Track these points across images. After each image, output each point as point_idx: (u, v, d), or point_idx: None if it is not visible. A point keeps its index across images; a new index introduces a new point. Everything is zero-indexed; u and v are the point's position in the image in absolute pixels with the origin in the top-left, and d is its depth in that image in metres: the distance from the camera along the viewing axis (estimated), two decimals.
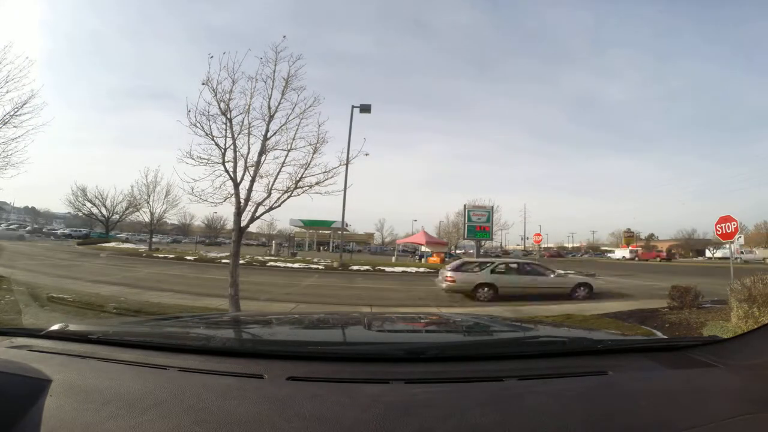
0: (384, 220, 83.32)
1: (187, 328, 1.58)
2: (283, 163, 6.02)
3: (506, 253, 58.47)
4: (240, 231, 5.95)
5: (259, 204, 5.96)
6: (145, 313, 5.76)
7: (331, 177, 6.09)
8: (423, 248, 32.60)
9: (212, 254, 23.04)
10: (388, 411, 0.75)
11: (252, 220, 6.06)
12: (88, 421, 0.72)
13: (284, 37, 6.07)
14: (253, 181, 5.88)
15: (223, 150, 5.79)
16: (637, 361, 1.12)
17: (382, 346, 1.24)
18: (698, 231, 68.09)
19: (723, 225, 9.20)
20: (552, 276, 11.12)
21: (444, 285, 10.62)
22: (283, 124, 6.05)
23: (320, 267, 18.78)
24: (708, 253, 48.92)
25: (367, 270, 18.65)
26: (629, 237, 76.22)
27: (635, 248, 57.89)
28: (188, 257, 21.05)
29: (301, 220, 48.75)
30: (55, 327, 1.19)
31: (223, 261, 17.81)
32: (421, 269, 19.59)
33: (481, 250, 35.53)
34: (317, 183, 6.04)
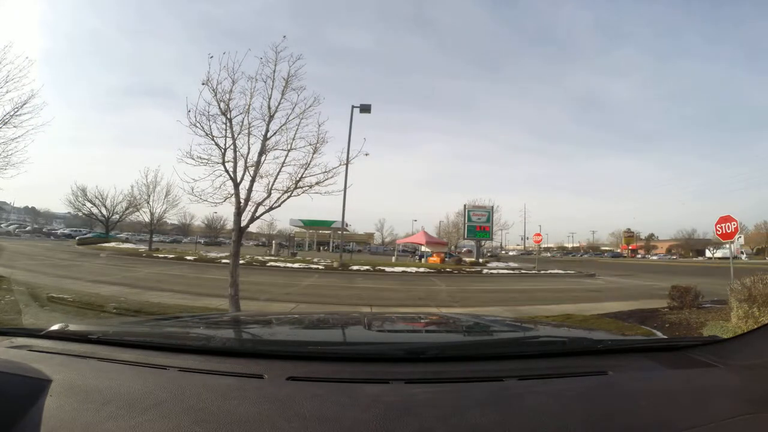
0: (384, 220, 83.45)
1: (187, 328, 1.58)
2: (283, 163, 6.03)
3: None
4: (240, 231, 5.95)
5: (259, 204, 5.96)
6: (145, 313, 5.75)
7: (331, 177, 6.11)
8: (423, 248, 32.58)
9: (212, 254, 23.02)
10: (388, 411, 0.75)
11: (252, 220, 6.05)
12: (88, 421, 0.72)
13: (284, 37, 6.07)
14: (253, 181, 5.88)
15: (223, 150, 5.79)
16: (637, 361, 1.12)
17: (382, 346, 1.24)
18: (698, 231, 68.30)
19: (723, 225, 9.18)
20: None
21: None
22: (283, 124, 6.06)
23: (320, 267, 18.76)
24: (708, 253, 48.96)
25: (367, 270, 18.63)
26: (629, 237, 76.29)
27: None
28: (188, 257, 21.02)
29: (301, 220, 48.80)
30: (55, 327, 1.19)
31: (223, 261, 17.79)
32: (421, 269, 19.58)
33: (482, 250, 35.60)
34: (317, 183, 6.05)
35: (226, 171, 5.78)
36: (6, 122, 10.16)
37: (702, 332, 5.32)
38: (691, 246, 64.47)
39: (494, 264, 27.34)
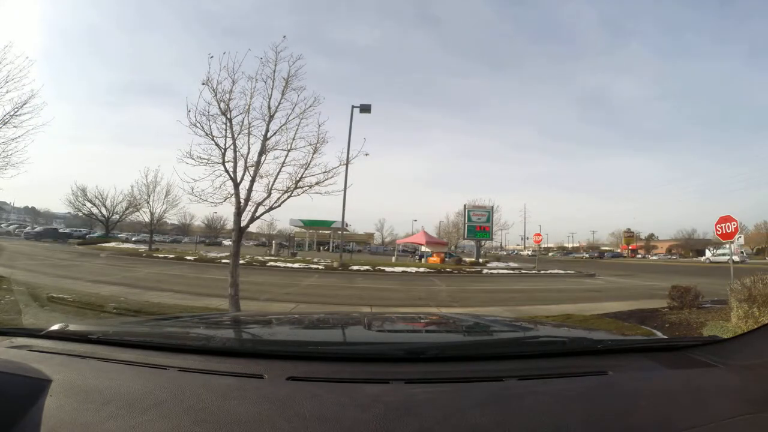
0: (384, 220, 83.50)
1: (187, 328, 1.58)
2: (283, 163, 6.03)
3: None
4: (240, 231, 5.95)
5: (259, 204, 5.96)
6: (145, 313, 5.75)
7: (331, 177, 6.11)
8: (423, 248, 32.59)
9: (212, 254, 23.02)
10: (388, 411, 0.75)
11: (252, 220, 6.06)
12: (88, 421, 0.72)
13: (284, 37, 6.08)
14: (253, 181, 5.88)
15: (223, 150, 5.79)
16: (637, 361, 1.12)
17: (382, 346, 1.24)
18: (698, 231, 68.35)
19: (723, 225, 9.18)
20: None
21: None
22: (283, 124, 6.06)
23: (320, 267, 18.76)
24: (708, 253, 48.96)
25: (367, 270, 18.62)
26: (629, 237, 76.32)
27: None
28: (188, 257, 21.02)
29: (301, 220, 48.79)
30: (55, 327, 1.19)
31: (223, 261, 17.79)
32: (421, 269, 19.57)
33: (482, 250, 35.61)
34: (317, 183, 6.05)
35: (226, 171, 5.79)
36: (6, 122, 10.17)
37: (702, 332, 5.31)
38: (691, 246, 64.50)
39: (494, 264, 27.34)
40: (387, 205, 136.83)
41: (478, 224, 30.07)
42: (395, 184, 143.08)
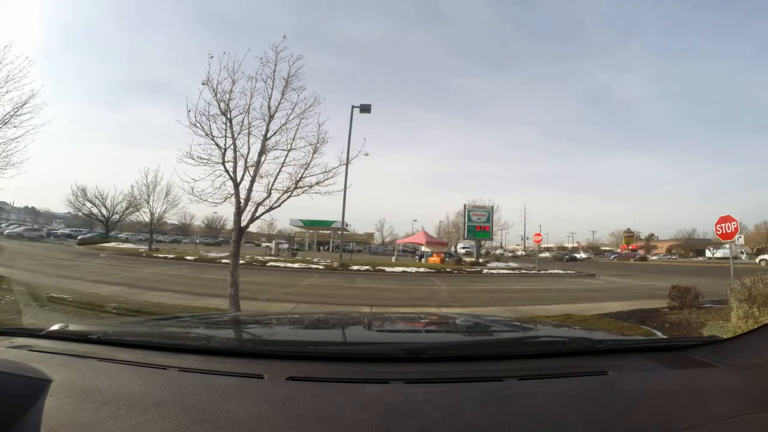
0: (384, 220, 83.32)
1: (187, 328, 1.58)
2: (283, 163, 6.04)
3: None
4: (240, 231, 5.95)
5: (259, 204, 5.96)
6: (145, 313, 5.75)
7: (331, 177, 6.11)
8: (423, 248, 32.59)
9: (212, 254, 23.02)
10: (388, 411, 0.75)
11: (252, 220, 6.06)
12: (88, 421, 0.72)
13: (284, 37, 6.08)
14: (253, 181, 5.89)
15: (223, 150, 5.79)
16: (637, 361, 1.12)
17: (382, 346, 1.24)
18: (698, 231, 68.32)
19: (723, 225, 9.18)
20: None
21: None
22: (283, 124, 6.07)
23: (320, 267, 18.75)
24: (708, 253, 48.96)
25: (367, 270, 18.62)
26: (629, 237, 76.25)
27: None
28: (188, 257, 21.02)
29: (301, 220, 48.79)
30: (55, 327, 1.19)
31: (223, 261, 17.79)
32: (421, 269, 19.58)
33: (482, 250, 35.62)
34: (317, 183, 6.05)
35: (226, 171, 5.79)
36: (6, 122, 10.17)
37: (702, 332, 5.32)
38: (691, 246, 64.43)
39: (494, 264, 27.36)
40: (387, 205, 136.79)
41: (478, 224, 30.08)
42: (395, 184, 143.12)
